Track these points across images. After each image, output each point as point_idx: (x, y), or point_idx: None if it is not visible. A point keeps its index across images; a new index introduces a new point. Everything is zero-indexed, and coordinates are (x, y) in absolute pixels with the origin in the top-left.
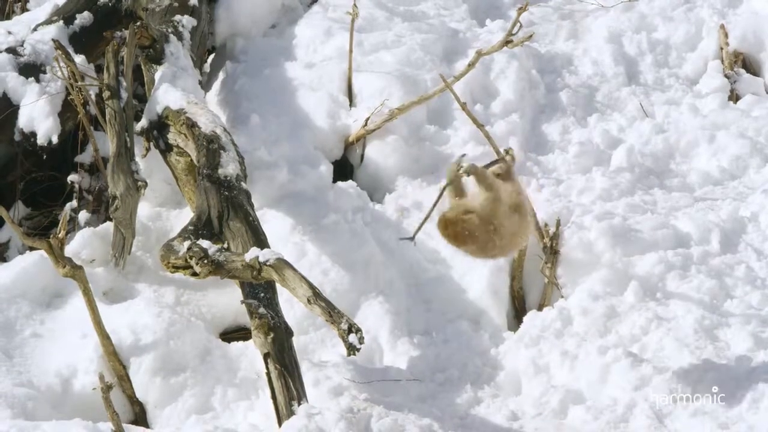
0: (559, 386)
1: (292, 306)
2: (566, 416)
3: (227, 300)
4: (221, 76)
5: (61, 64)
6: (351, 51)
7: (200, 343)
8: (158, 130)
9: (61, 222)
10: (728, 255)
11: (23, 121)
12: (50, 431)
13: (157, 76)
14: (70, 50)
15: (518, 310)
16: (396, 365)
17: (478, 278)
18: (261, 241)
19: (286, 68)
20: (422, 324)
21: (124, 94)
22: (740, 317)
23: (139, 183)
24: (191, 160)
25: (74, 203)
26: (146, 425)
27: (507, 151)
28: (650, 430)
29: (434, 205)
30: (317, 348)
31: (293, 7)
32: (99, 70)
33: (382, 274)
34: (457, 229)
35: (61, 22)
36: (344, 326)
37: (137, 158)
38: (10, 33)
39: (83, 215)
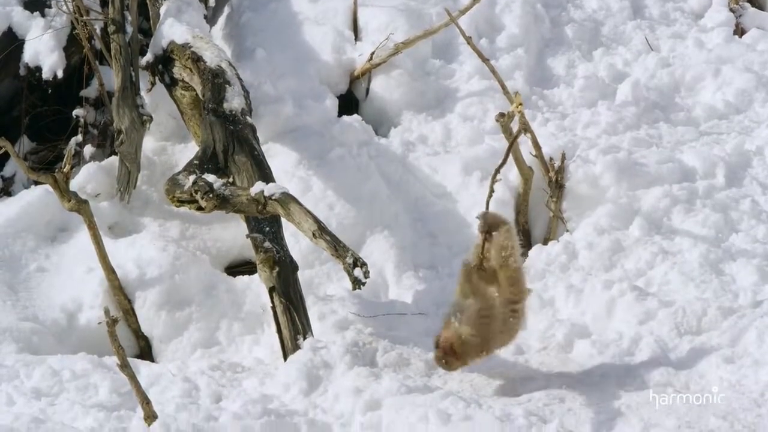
0: (565, 320)
1: (297, 240)
2: (572, 350)
3: (232, 234)
4: (226, 10)
5: None
6: None
7: (205, 277)
8: (163, 64)
9: (66, 156)
10: (733, 189)
11: (28, 56)
12: (55, 365)
13: (162, 10)
14: None
15: (523, 244)
16: (401, 299)
17: None
18: (266, 175)
19: (291, 2)
20: (427, 258)
21: (129, 29)
22: (745, 251)
23: (144, 117)
24: (196, 94)
25: (79, 137)
26: (151, 359)
27: (515, 94)
28: (655, 365)
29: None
30: (323, 282)
31: None
32: (104, 4)
33: (387, 208)
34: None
35: None
36: (349, 260)
37: (142, 92)
38: None
39: (88, 149)
